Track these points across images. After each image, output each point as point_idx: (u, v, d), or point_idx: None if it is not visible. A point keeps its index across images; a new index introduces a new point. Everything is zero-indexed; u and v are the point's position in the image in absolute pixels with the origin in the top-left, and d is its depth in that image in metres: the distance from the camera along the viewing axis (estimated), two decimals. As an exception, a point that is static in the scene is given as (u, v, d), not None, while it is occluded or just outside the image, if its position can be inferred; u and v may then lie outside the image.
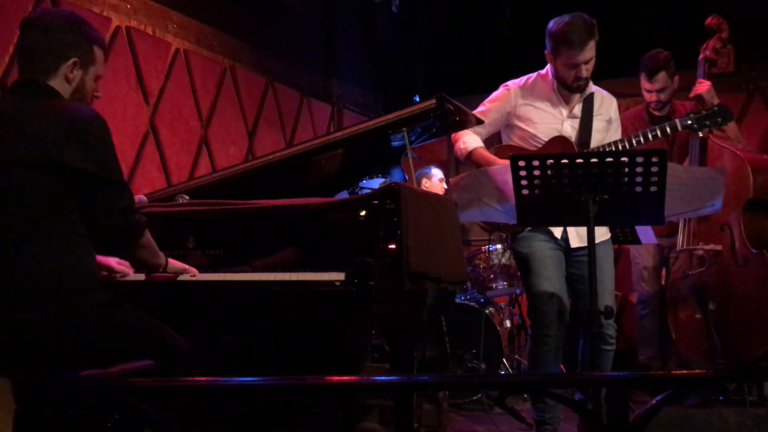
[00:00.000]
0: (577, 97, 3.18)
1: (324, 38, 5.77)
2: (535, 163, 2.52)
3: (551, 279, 3.10)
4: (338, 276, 2.17)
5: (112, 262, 2.35)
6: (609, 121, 3.25)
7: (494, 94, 3.29)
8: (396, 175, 3.38)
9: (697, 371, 1.47)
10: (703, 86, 3.85)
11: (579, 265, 3.14)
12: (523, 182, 2.57)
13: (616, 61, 4.34)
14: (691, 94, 3.91)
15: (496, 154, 3.22)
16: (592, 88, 3.22)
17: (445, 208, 2.70)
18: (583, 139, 3.16)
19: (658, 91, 4.04)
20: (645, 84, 4.08)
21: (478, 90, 6.22)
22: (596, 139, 3.18)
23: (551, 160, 2.51)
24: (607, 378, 1.29)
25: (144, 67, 4.03)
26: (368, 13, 6.15)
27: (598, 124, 3.19)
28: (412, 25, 6.69)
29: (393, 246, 2.26)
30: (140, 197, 2.70)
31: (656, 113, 4.11)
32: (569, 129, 3.17)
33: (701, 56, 3.95)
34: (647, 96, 4.10)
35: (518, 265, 3.33)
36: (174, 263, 2.32)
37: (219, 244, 2.53)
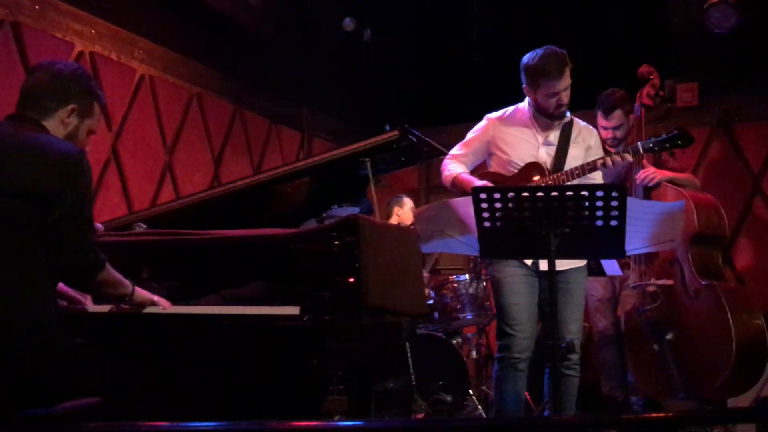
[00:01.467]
0: (555, 124, 3.27)
1: (295, 65, 5.76)
2: (497, 195, 2.51)
3: (520, 305, 3.14)
4: (293, 310, 2.13)
5: (71, 291, 2.31)
6: (587, 149, 3.32)
7: (477, 125, 3.40)
8: (368, 204, 3.37)
9: (655, 415, 1.46)
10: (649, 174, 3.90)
11: (548, 293, 3.14)
12: (485, 214, 2.56)
13: (587, 93, 4.41)
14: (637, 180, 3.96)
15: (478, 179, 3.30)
16: (570, 117, 3.31)
17: (407, 240, 2.68)
18: (557, 165, 3.23)
19: (614, 128, 4.14)
20: (601, 121, 4.18)
21: (453, 120, 6.31)
22: (571, 166, 3.23)
23: (512, 194, 2.51)
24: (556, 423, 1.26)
25: (107, 92, 3.94)
26: (342, 42, 6.17)
27: (575, 151, 3.27)
28: (386, 54, 6.73)
29: (351, 279, 2.23)
30: (97, 225, 2.64)
31: (611, 150, 4.19)
32: (544, 155, 3.24)
33: (637, 103, 4.08)
34: (603, 133, 4.19)
35: (492, 287, 3.38)
36: (142, 293, 2.27)
37: (174, 275, 2.49)
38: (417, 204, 5.65)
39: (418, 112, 6.42)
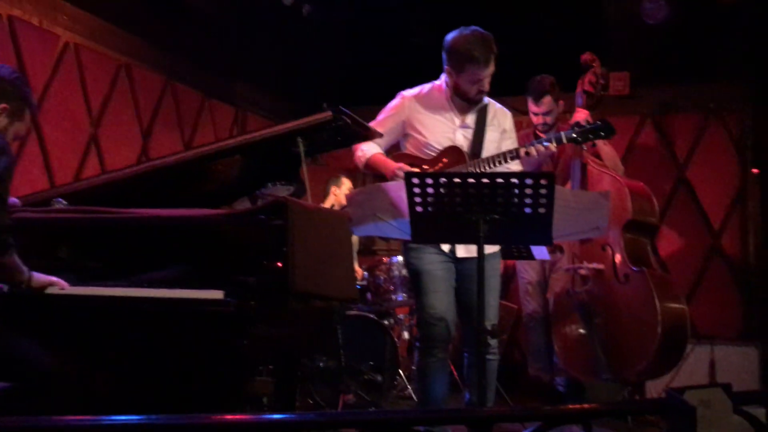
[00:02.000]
0: (471, 107, 3.21)
1: (230, 38, 5.60)
2: (429, 181, 2.52)
3: (439, 293, 3.12)
4: (216, 294, 2.07)
5: None
6: (503, 132, 3.28)
7: (390, 103, 3.30)
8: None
9: (563, 408, 1.48)
10: (581, 115, 4.00)
11: (465, 278, 3.17)
12: (417, 199, 2.56)
13: (522, 79, 4.45)
14: (570, 121, 4.06)
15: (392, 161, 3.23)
16: (486, 99, 3.26)
17: (338, 224, 2.65)
18: (475, 149, 3.19)
19: (544, 114, 4.22)
20: (532, 107, 4.26)
21: (389, 98, 6.27)
22: (488, 149, 3.21)
23: (444, 179, 2.51)
24: (467, 416, 1.27)
25: (27, 60, 3.78)
26: (279, 16, 6.02)
27: (491, 135, 3.23)
28: (324, 30, 6.61)
29: (279, 264, 2.19)
30: (13, 200, 2.52)
31: (542, 135, 4.26)
32: (461, 138, 3.19)
33: (579, 89, 4.14)
34: (534, 119, 4.27)
35: (409, 276, 3.35)
36: (39, 278, 2.17)
37: (93, 255, 2.39)
38: (355, 184, 5.61)
39: (356, 90, 6.35)
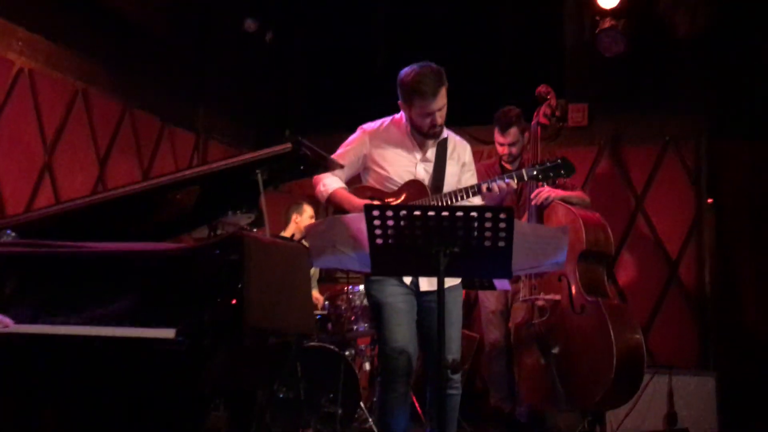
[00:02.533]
0: (431, 141, 3.21)
1: (191, 64, 5.55)
2: (389, 213, 2.50)
3: (401, 326, 3.08)
4: (168, 333, 2.01)
5: None
6: (462, 166, 3.29)
7: (351, 137, 3.29)
8: (262, 212, 3.26)
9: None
10: (542, 194, 4.03)
11: (427, 312, 3.14)
12: (377, 231, 2.54)
13: (482, 109, 4.49)
14: (532, 201, 4.08)
15: (354, 194, 3.22)
16: (446, 133, 3.27)
17: (295, 256, 2.61)
18: (437, 183, 3.20)
19: (510, 145, 4.26)
20: (498, 138, 4.29)
21: (353, 128, 6.25)
22: (449, 183, 3.22)
23: (404, 212, 2.50)
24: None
25: (-21, 85, 3.69)
26: (241, 42, 6.00)
27: (451, 168, 3.24)
28: (286, 57, 6.60)
29: (233, 300, 2.14)
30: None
31: (508, 166, 4.30)
32: (423, 173, 3.20)
33: (534, 121, 4.21)
34: (500, 149, 4.31)
35: (371, 309, 3.30)
36: None
37: (41, 290, 2.30)
38: (317, 211, 5.57)
39: (319, 118, 6.34)
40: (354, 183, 3.36)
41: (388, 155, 3.20)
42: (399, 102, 3.17)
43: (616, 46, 5.15)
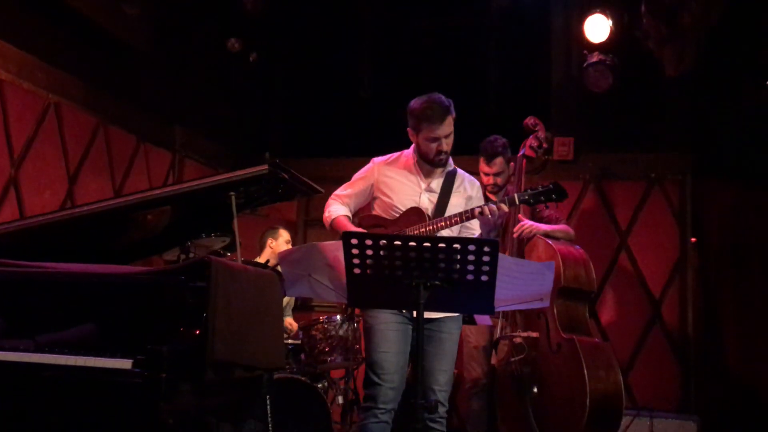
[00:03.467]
0: (437, 172, 3.29)
1: (171, 81, 5.41)
2: (368, 242, 2.39)
3: (389, 353, 3.09)
4: (124, 364, 1.85)
5: None
6: (468, 198, 3.34)
7: (363, 168, 3.40)
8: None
9: None
10: (525, 228, 3.96)
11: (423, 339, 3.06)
12: (355, 261, 2.43)
13: (468, 140, 4.43)
14: (515, 234, 4.00)
15: (359, 222, 3.33)
16: (453, 166, 3.34)
17: (266, 285, 2.46)
18: (439, 213, 3.26)
19: (495, 175, 4.21)
20: (483, 167, 4.24)
21: (334, 153, 6.17)
22: (452, 213, 3.24)
23: (384, 241, 2.38)
24: None
25: (-57, 94, 3.53)
26: (223, 61, 5.89)
27: (456, 200, 3.29)
28: (269, 79, 6.51)
29: (197, 331, 1.99)
30: None
31: (492, 197, 4.23)
32: (426, 201, 3.26)
33: (519, 153, 4.15)
34: (485, 179, 4.25)
35: (363, 333, 3.30)
36: None
37: (-8, 313, 2.13)
38: (294, 237, 5.43)
39: (300, 141, 6.24)
40: (363, 212, 3.43)
41: (394, 184, 3.30)
42: (408, 129, 3.29)
43: (603, 81, 5.11)
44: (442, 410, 3.11)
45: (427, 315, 2.97)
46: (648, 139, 5.36)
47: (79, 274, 2.15)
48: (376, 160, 3.39)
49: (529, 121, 4.22)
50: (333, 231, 3.28)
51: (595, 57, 5.07)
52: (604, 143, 5.43)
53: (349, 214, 3.35)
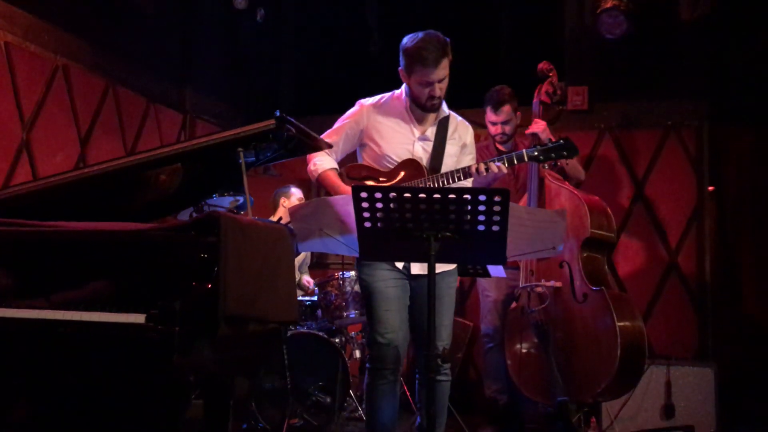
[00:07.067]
0: (431, 118, 3.10)
1: (179, 42, 5.37)
2: (378, 195, 2.37)
3: (391, 311, 2.99)
4: (137, 319, 1.87)
5: None
6: (463, 147, 3.18)
7: (349, 111, 3.17)
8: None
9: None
10: (539, 126, 3.93)
11: (420, 296, 3.06)
12: (365, 214, 2.42)
13: (478, 92, 4.37)
14: (527, 131, 3.98)
15: (347, 173, 3.13)
16: (447, 112, 3.14)
17: (278, 239, 2.46)
18: (435, 163, 3.09)
19: (503, 123, 4.15)
20: (490, 116, 4.18)
21: (344, 109, 6.10)
22: (448, 164, 3.11)
23: (394, 194, 2.37)
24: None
25: (-48, 58, 3.52)
26: (231, 21, 5.82)
27: (451, 149, 3.13)
28: (277, 36, 6.43)
29: (209, 285, 2.00)
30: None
31: (502, 148, 4.19)
32: (420, 151, 3.09)
33: (535, 99, 4.08)
34: (492, 129, 4.19)
35: (361, 293, 3.22)
36: None
37: (6, 272, 2.15)
38: (307, 194, 5.43)
39: (310, 99, 6.19)
40: (349, 161, 3.23)
41: (384, 131, 3.08)
42: (399, 69, 3.05)
43: (618, 28, 4.99)
44: (447, 363, 3.03)
45: (423, 271, 2.93)
46: (663, 86, 5.24)
47: (91, 232, 2.17)
48: (363, 102, 3.15)
49: (543, 66, 4.13)
50: (321, 184, 3.14)
51: (609, 2, 4.94)
52: (619, 91, 5.32)
53: (336, 166, 3.14)
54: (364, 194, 2.37)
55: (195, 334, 1.96)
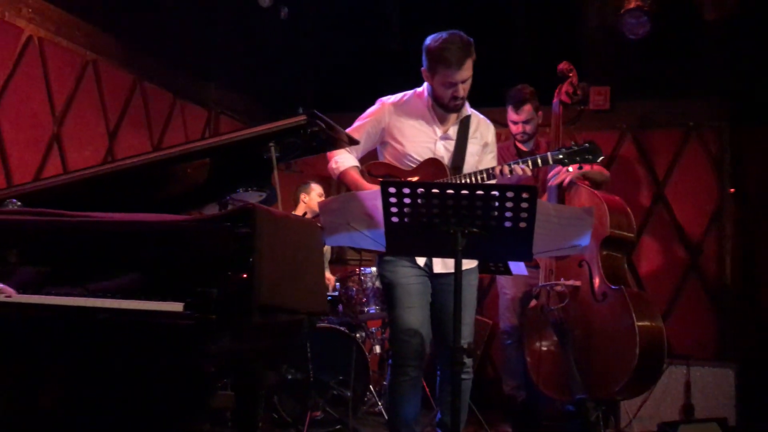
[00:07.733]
0: (452, 117, 3.10)
1: (205, 38, 5.44)
2: (406, 190, 2.40)
3: (414, 308, 3.00)
4: (176, 307, 1.92)
5: None
6: (485, 146, 3.19)
7: (370, 109, 3.17)
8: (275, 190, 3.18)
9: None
10: (561, 175, 3.90)
11: (441, 294, 3.07)
12: (393, 209, 2.45)
13: (499, 90, 4.39)
14: (551, 183, 3.93)
15: (368, 170, 3.14)
16: (469, 110, 3.14)
17: (309, 232, 2.51)
18: (457, 163, 3.08)
19: (524, 122, 4.16)
20: (512, 115, 4.19)
21: (366, 107, 6.14)
22: (470, 163, 3.11)
23: (422, 189, 2.40)
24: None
25: (-13, 52, 3.61)
26: (254, 18, 5.88)
27: (472, 148, 3.13)
28: (300, 34, 6.48)
29: (244, 275, 2.05)
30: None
31: (523, 147, 4.20)
32: (442, 150, 3.09)
33: (555, 100, 4.08)
34: (513, 128, 4.20)
35: (383, 289, 3.23)
36: None
37: (46, 260, 2.22)
38: (328, 192, 5.48)
39: (333, 95, 6.23)
40: (370, 158, 3.25)
41: (406, 130, 3.08)
42: (422, 70, 3.05)
43: (640, 28, 4.99)
44: (469, 361, 3.06)
45: (445, 270, 3.01)
46: (685, 86, 5.24)
47: (127, 223, 2.22)
48: (385, 100, 3.13)
49: (563, 66, 4.13)
50: (341, 182, 3.14)
51: (632, 3, 4.94)
52: (641, 91, 5.33)
53: (357, 164, 3.14)
54: (392, 189, 2.40)
55: (229, 323, 2.00)
